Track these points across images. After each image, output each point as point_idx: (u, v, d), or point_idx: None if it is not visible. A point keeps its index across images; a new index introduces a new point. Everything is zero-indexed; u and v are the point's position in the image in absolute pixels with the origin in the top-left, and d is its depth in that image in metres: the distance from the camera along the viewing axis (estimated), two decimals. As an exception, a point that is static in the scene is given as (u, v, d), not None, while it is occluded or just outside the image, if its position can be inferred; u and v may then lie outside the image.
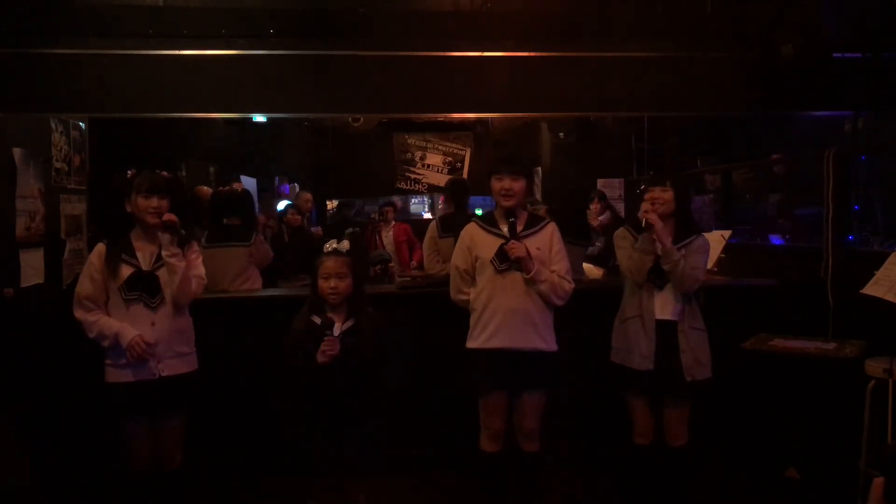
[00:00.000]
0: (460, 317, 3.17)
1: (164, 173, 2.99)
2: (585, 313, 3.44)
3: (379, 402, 2.83)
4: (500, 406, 3.06)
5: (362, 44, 4.12)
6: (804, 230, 5.60)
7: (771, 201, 7.07)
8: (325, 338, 2.67)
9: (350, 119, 8.88)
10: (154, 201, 2.83)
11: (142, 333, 2.79)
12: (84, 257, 4.51)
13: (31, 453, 3.50)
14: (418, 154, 9.63)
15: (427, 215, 10.84)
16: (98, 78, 3.94)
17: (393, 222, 7.38)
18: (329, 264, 2.76)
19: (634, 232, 3.22)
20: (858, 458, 3.17)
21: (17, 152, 3.88)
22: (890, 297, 3.00)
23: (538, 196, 8.37)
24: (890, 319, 2.99)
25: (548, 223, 3.14)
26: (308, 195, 7.29)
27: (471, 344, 3.07)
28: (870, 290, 3.11)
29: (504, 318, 2.98)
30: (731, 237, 4.67)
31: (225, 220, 4.48)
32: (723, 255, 4.57)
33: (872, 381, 3.16)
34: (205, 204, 5.30)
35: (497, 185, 3.04)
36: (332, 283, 2.73)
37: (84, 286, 2.84)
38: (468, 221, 3.25)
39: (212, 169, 7.86)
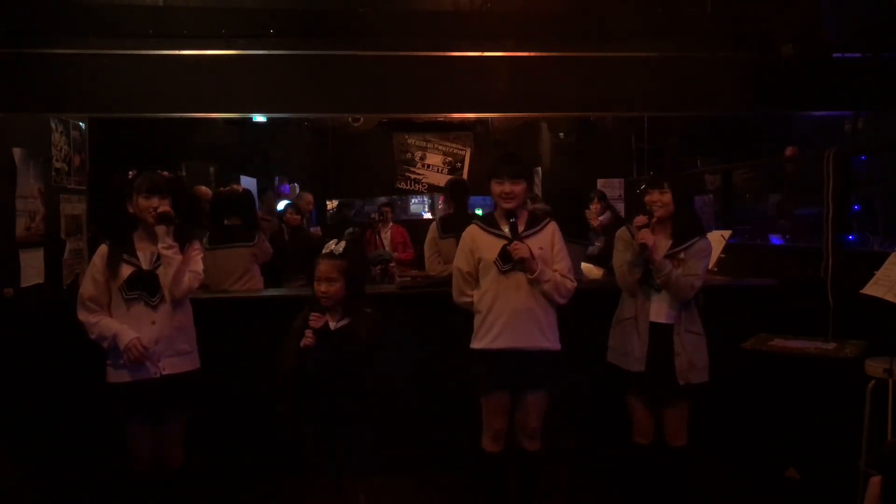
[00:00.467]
0: (460, 317, 3.17)
1: (166, 173, 2.99)
2: (585, 313, 3.45)
3: (374, 401, 2.82)
4: (503, 406, 3.06)
5: (362, 44, 4.12)
6: (804, 230, 5.60)
7: (771, 201, 7.07)
8: (312, 314, 2.68)
9: (350, 119, 8.88)
10: (154, 201, 2.83)
11: (142, 334, 2.79)
12: (84, 257, 4.54)
13: (22, 455, 3.51)
14: (418, 154, 9.62)
15: (427, 215, 10.83)
16: (98, 78, 3.94)
17: (391, 223, 7.39)
18: (321, 267, 2.75)
19: (634, 232, 3.21)
20: (858, 458, 3.17)
21: (17, 152, 3.88)
22: (890, 297, 2.99)
23: (539, 195, 8.37)
24: (890, 319, 2.99)
25: (548, 222, 3.14)
26: (309, 196, 7.28)
27: (476, 345, 3.06)
28: (870, 290, 3.11)
29: (509, 319, 2.98)
30: (731, 237, 4.67)
31: (226, 221, 4.49)
32: (723, 255, 4.57)
33: (872, 381, 3.15)
34: (203, 204, 5.30)
35: (498, 188, 3.04)
36: (323, 287, 2.73)
37: (87, 287, 2.85)
38: (468, 222, 3.25)
39: (212, 169, 7.87)
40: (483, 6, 4.30)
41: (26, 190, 3.97)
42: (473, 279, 3.10)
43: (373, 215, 7.73)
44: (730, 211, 5.92)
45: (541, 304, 3.01)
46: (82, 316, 2.83)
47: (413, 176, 9.63)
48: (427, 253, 4.73)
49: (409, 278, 5.45)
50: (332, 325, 2.75)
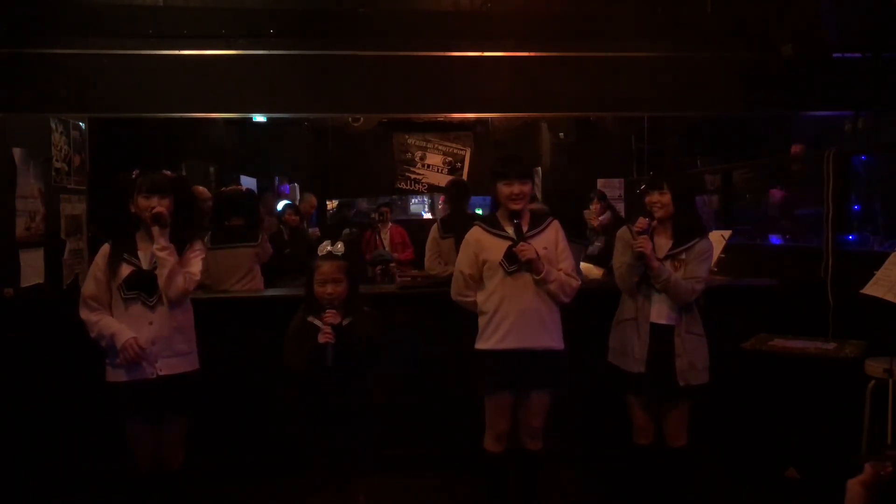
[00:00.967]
0: (460, 316, 3.17)
1: (168, 173, 2.99)
2: (586, 313, 3.45)
3: (375, 400, 2.83)
4: (507, 406, 3.06)
5: (362, 44, 4.12)
6: (804, 230, 5.60)
7: (774, 201, 7.05)
8: (327, 311, 2.68)
9: (350, 119, 8.88)
10: (154, 201, 2.83)
11: (139, 334, 2.79)
12: (84, 257, 4.54)
13: (22, 455, 3.51)
14: (418, 154, 9.62)
15: (427, 215, 10.83)
16: (98, 78, 3.94)
17: (390, 223, 7.39)
18: (325, 269, 2.76)
19: (635, 233, 3.20)
20: (858, 459, 3.17)
21: (17, 152, 3.88)
22: (890, 297, 2.99)
23: (538, 195, 8.37)
24: (890, 319, 2.99)
25: (551, 221, 3.13)
26: (313, 199, 7.26)
27: (482, 345, 3.06)
28: (870, 290, 3.11)
29: (516, 320, 2.98)
30: (731, 237, 4.67)
31: (228, 222, 4.50)
32: (723, 255, 4.57)
33: (872, 381, 3.16)
34: (202, 204, 5.31)
35: (507, 189, 3.01)
36: (329, 288, 2.73)
37: (88, 286, 2.85)
38: (466, 222, 3.24)
39: (212, 169, 7.86)
40: (483, 6, 4.29)
41: (26, 190, 3.96)
42: (475, 282, 3.10)
43: (373, 215, 7.72)
44: (730, 211, 5.92)
45: (546, 304, 3.01)
46: (83, 314, 2.83)
47: (413, 176, 9.63)
48: (428, 253, 4.75)
49: (409, 278, 5.45)
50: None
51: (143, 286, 2.83)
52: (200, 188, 5.83)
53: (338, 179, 9.48)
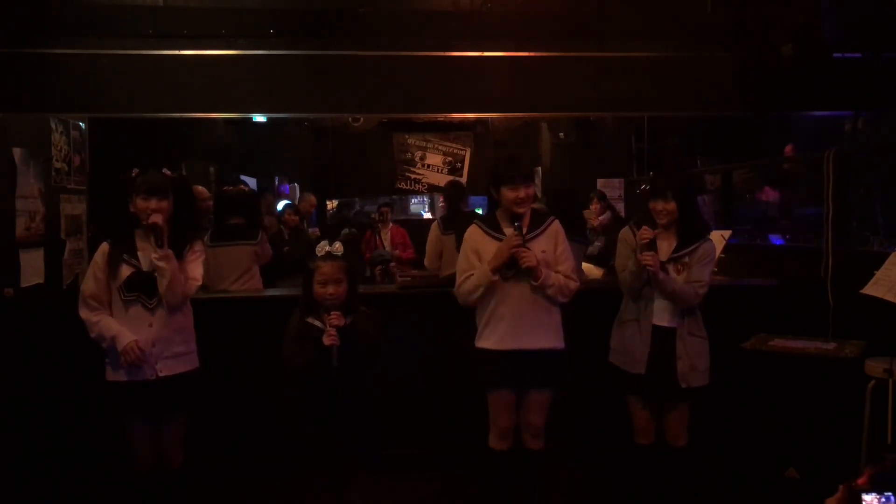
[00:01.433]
0: (461, 316, 3.16)
1: (168, 172, 2.97)
2: (586, 313, 3.45)
3: (375, 400, 2.83)
4: (509, 403, 3.05)
5: (362, 44, 4.12)
6: (804, 230, 5.60)
7: (772, 201, 7.06)
8: (332, 313, 2.68)
9: (350, 119, 8.88)
10: (153, 203, 2.81)
11: (139, 337, 2.78)
12: (84, 257, 4.53)
13: (22, 455, 3.50)
14: (418, 154, 9.62)
15: (427, 215, 10.82)
16: (98, 78, 3.94)
17: (390, 224, 7.39)
18: (326, 270, 2.75)
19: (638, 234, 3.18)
20: (858, 458, 3.17)
21: (17, 152, 3.88)
22: (890, 297, 2.99)
23: (539, 195, 8.37)
24: (890, 319, 2.99)
25: (552, 222, 3.10)
26: (313, 198, 7.26)
27: (481, 344, 3.06)
28: (870, 290, 3.10)
29: (513, 321, 2.97)
30: (731, 237, 4.67)
31: (228, 221, 4.51)
32: (723, 255, 4.56)
33: (872, 381, 3.15)
34: (200, 203, 5.32)
35: (512, 194, 2.97)
36: (331, 289, 2.73)
37: (88, 285, 2.84)
38: (464, 221, 3.23)
39: (212, 169, 7.86)
40: (483, 6, 4.29)
41: (26, 190, 3.96)
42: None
43: (373, 215, 7.71)
44: (730, 211, 5.92)
45: (544, 305, 3.00)
46: (83, 314, 2.82)
47: (413, 176, 9.63)
48: (429, 251, 4.79)
49: (409, 278, 5.45)
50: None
51: (143, 288, 2.82)
52: (200, 188, 5.83)
53: (338, 179, 9.49)
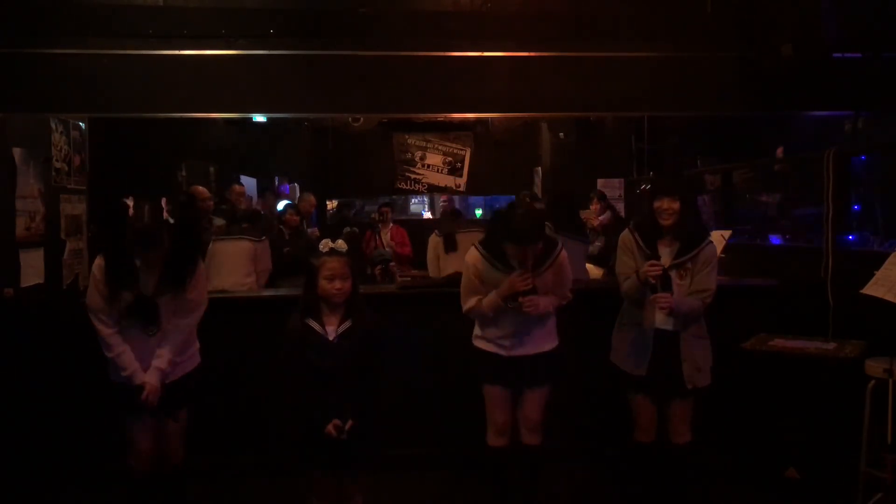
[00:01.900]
0: (460, 316, 3.16)
1: (165, 205, 2.95)
2: (587, 312, 3.45)
3: (376, 402, 2.83)
4: (504, 398, 3.07)
5: (362, 44, 4.12)
6: (804, 230, 5.59)
7: (771, 202, 7.05)
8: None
9: (350, 119, 8.88)
10: (150, 258, 2.79)
11: (139, 353, 2.81)
12: (84, 257, 4.54)
13: (22, 455, 3.50)
14: (418, 154, 9.62)
15: (427, 215, 10.84)
16: (98, 78, 3.94)
17: (391, 224, 7.39)
18: (333, 265, 2.75)
19: (639, 239, 3.14)
20: (858, 458, 3.17)
21: (17, 152, 3.88)
22: (890, 297, 2.99)
23: (539, 195, 8.37)
24: (890, 319, 2.99)
25: (560, 251, 3.05)
26: (312, 198, 7.27)
27: (477, 344, 3.11)
28: (870, 290, 3.10)
29: (510, 330, 3.02)
30: (731, 237, 4.67)
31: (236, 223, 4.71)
32: (723, 255, 4.56)
33: (872, 381, 3.15)
34: (201, 203, 5.36)
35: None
36: (338, 284, 2.73)
37: (94, 299, 2.81)
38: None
39: (212, 169, 7.86)
40: (483, 6, 4.29)
41: (26, 190, 3.97)
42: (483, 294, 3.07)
43: (373, 215, 7.72)
44: (730, 211, 5.92)
45: (538, 317, 3.01)
46: (97, 326, 2.81)
47: (413, 176, 9.63)
48: (430, 266, 4.85)
49: (409, 278, 5.45)
50: (332, 328, 2.75)
51: (143, 316, 2.81)
52: (200, 188, 5.84)
53: (338, 179, 9.49)
